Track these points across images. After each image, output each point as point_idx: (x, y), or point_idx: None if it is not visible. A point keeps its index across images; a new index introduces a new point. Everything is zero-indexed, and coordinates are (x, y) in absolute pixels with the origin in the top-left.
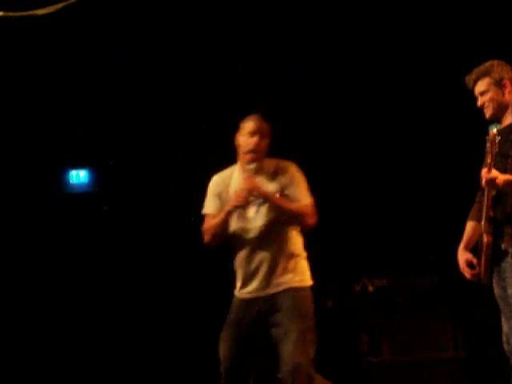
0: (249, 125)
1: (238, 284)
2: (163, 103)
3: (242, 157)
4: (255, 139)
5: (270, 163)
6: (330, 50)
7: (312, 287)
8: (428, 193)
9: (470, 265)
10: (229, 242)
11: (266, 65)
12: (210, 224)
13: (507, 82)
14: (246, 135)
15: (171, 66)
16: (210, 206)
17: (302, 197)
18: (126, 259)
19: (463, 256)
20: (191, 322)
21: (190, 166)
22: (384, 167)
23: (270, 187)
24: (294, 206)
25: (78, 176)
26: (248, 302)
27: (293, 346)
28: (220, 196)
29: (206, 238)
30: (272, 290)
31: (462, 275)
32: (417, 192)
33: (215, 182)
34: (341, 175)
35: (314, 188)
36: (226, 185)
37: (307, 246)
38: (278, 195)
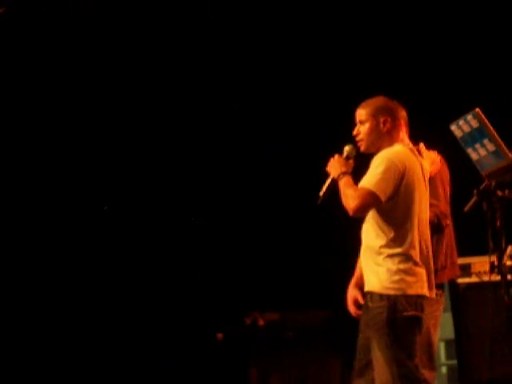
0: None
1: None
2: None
3: None
4: None
5: None
6: None
7: None
8: (321, 226)
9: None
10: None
11: None
12: None
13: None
14: None
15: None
16: None
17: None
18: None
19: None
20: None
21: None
22: (278, 200)
23: None
24: None
25: None
26: None
27: None
28: None
29: None
30: None
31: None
32: (310, 225)
33: None
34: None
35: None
36: None
37: (195, 279)
38: None
